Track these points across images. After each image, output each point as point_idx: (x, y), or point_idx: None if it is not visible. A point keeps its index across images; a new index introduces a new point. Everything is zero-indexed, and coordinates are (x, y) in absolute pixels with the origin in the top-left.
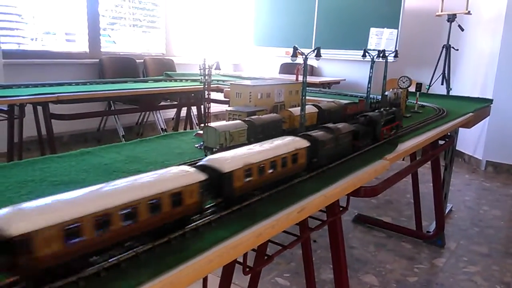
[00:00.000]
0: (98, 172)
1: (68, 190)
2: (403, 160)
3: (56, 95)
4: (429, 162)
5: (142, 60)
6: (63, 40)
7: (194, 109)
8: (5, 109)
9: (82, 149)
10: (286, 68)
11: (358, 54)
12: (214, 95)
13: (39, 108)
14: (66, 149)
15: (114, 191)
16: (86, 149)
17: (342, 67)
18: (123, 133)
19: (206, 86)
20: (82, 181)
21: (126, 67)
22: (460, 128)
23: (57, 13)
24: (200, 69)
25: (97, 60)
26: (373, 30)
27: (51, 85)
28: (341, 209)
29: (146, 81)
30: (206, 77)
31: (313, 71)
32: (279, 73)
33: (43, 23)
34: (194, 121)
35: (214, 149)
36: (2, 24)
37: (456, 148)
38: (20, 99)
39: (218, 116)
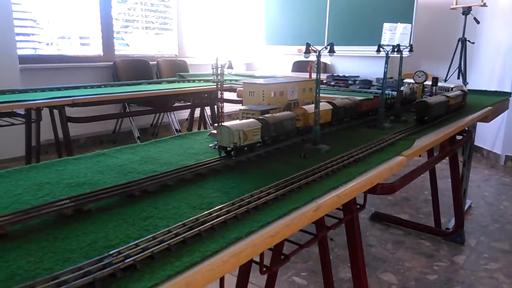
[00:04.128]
0: (113, 173)
1: (84, 191)
2: (419, 156)
3: (72, 98)
4: (447, 158)
5: (155, 62)
6: (77, 44)
7: (207, 109)
8: (22, 113)
9: (98, 151)
10: (299, 66)
11: (371, 50)
12: (227, 95)
13: (56, 111)
14: (82, 151)
15: None
16: (101, 151)
17: (356, 64)
18: (138, 135)
19: (219, 86)
20: (97, 182)
21: (140, 69)
22: (478, 123)
23: (71, 18)
24: (212, 69)
25: (111, 63)
26: (386, 25)
27: (66, 88)
28: (358, 207)
29: (159, 83)
30: (219, 77)
31: (326, 68)
32: (292, 71)
33: (58, 28)
34: (207, 121)
35: (228, 148)
36: (18, 30)
37: (475, 143)
38: (36, 103)
39: (231, 116)
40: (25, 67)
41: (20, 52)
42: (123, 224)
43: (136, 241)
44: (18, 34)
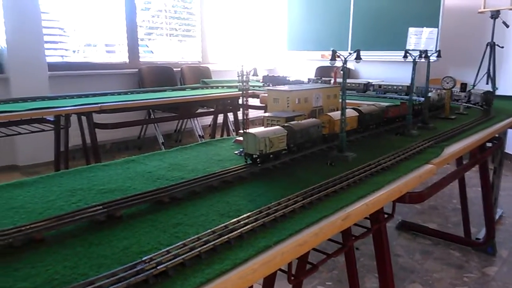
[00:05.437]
0: (142, 179)
1: (116, 198)
2: (448, 164)
3: (99, 105)
4: (477, 166)
5: (179, 69)
6: (103, 51)
7: (230, 116)
8: (52, 119)
9: (127, 158)
10: (322, 72)
11: (396, 54)
12: (249, 101)
13: (84, 118)
14: (109, 156)
15: None
16: (130, 157)
17: (380, 69)
18: (163, 140)
19: (245, 93)
20: (128, 188)
21: (164, 75)
22: (509, 129)
23: (97, 26)
24: (238, 76)
25: (137, 70)
26: (411, 30)
27: (94, 95)
28: (386, 216)
29: (184, 89)
30: (244, 84)
31: (350, 73)
32: (315, 76)
33: (84, 36)
34: (230, 127)
35: (254, 156)
36: (46, 38)
37: (505, 150)
38: (65, 109)
39: (254, 122)
40: (53, 74)
41: (48, 59)
42: (154, 230)
43: (168, 248)
44: (47, 42)
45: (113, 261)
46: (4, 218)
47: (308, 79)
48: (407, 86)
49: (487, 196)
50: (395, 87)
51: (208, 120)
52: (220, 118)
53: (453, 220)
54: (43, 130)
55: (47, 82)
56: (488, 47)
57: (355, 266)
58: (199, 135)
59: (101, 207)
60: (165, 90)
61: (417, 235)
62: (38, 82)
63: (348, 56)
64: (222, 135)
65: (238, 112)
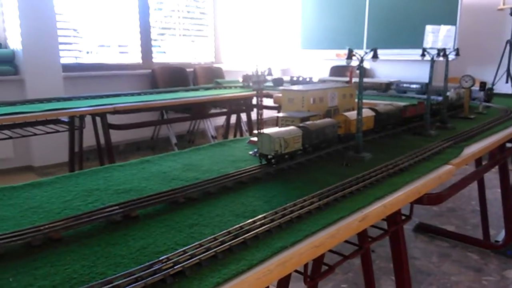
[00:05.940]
0: (157, 180)
1: (132, 198)
2: (466, 165)
3: (113, 106)
4: (496, 167)
5: (192, 69)
6: (116, 52)
7: (243, 116)
8: (66, 120)
9: (142, 158)
10: (337, 71)
11: (412, 53)
12: (263, 101)
13: (98, 118)
14: (122, 157)
15: None
16: (145, 158)
17: (396, 68)
18: (176, 141)
19: (259, 93)
20: (143, 188)
21: (177, 76)
22: None
23: (110, 27)
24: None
25: (150, 70)
26: (428, 28)
27: (108, 96)
28: (403, 218)
29: (197, 90)
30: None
31: (365, 72)
32: (330, 76)
33: (98, 37)
34: (243, 127)
35: (269, 156)
36: (60, 39)
37: None
38: (80, 110)
39: (267, 122)
40: (68, 75)
41: (62, 61)
42: (170, 230)
43: (184, 248)
44: (61, 44)
45: (130, 261)
46: (23, 218)
47: (294, 78)
48: (386, 84)
49: (507, 198)
50: (375, 85)
51: (220, 120)
52: (233, 118)
53: (472, 222)
54: (57, 131)
55: (61, 83)
56: (508, 45)
57: (372, 269)
58: (212, 136)
59: (117, 207)
60: (178, 91)
61: (435, 238)
62: (52, 84)
63: (365, 55)
64: (235, 136)
65: (252, 113)
